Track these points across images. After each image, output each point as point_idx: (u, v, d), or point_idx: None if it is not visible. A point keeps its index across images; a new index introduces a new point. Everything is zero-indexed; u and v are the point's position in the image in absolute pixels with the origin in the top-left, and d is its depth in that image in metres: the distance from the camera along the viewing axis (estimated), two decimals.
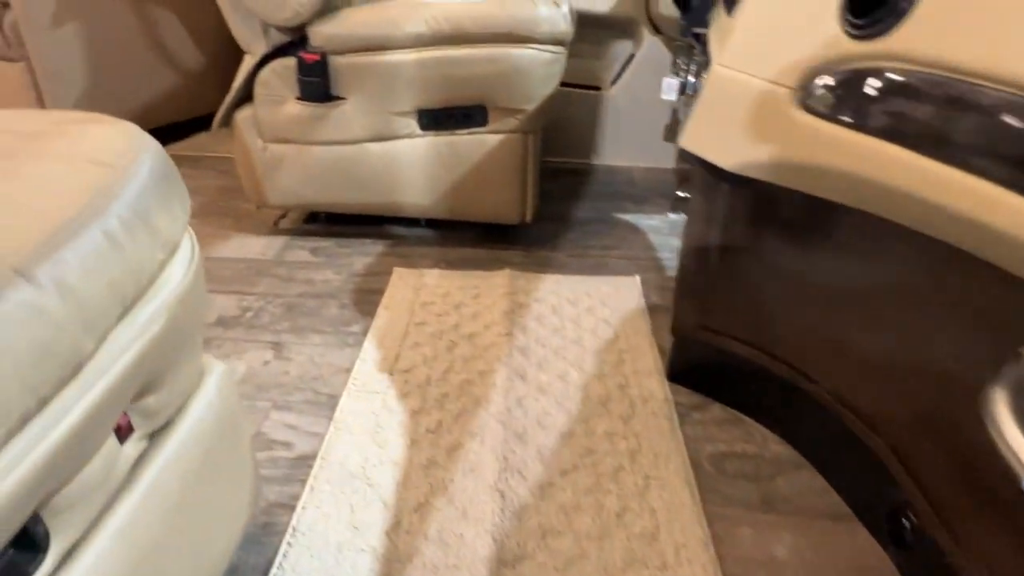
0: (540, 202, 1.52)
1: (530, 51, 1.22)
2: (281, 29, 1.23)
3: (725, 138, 0.76)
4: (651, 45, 1.83)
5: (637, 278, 1.34)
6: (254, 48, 1.27)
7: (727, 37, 0.78)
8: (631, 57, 1.90)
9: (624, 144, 1.96)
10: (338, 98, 1.28)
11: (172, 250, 0.52)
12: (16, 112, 0.57)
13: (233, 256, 1.42)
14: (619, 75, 1.92)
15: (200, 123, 2.20)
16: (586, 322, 1.19)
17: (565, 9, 1.24)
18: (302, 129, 1.32)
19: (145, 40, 1.89)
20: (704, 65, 1.11)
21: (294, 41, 1.25)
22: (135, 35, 1.86)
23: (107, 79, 1.81)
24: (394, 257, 1.43)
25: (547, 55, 1.24)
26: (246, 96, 1.33)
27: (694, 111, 0.81)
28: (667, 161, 1.96)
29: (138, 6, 1.84)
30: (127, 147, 0.52)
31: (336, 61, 1.25)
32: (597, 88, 1.96)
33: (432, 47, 1.23)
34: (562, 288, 1.30)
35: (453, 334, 1.15)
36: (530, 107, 1.28)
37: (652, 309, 1.25)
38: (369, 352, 1.10)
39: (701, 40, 1.36)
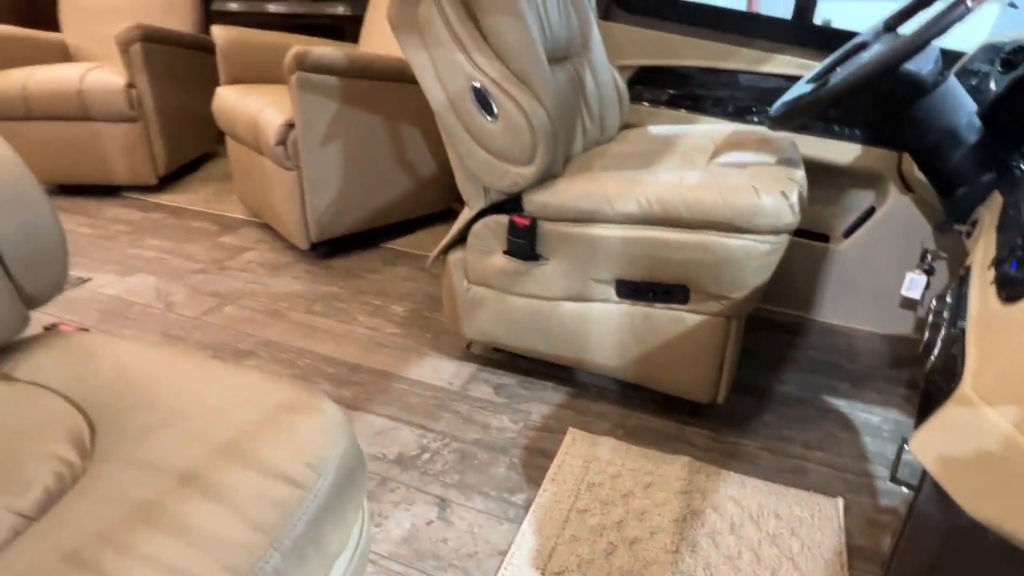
0: (739, 360, 1.40)
1: (746, 242, 1.14)
2: (499, 192, 1.30)
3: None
4: (898, 202, 1.62)
5: (840, 502, 1.16)
6: (473, 203, 1.35)
7: (1000, 330, 0.63)
8: (871, 210, 1.69)
9: (849, 303, 1.75)
10: (542, 258, 1.31)
11: (335, 559, 0.54)
12: (252, 379, 0.64)
13: (424, 380, 1.50)
14: (854, 228, 1.72)
15: (425, 221, 2.42)
16: (767, 555, 1.05)
17: (794, 198, 1.13)
18: (504, 280, 1.36)
19: (391, 151, 2.13)
20: (960, 281, 0.93)
21: (509, 201, 1.31)
22: (383, 147, 2.10)
23: (355, 184, 2.07)
24: (572, 411, 1.40)
25: (765, 247, 1.14)
26: (459, 240, 1.42)
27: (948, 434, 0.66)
28: (897, 327, 1.71)
29: (391, 125, 2.08)
30: (323, 451, 0.55)
31: (545, 226, 1.27)
32: (825, 238, 1.78)
33: (641, 226, 1.20)
34: (747, 496, 1.16)
35: (614, 534, 1.08)
36: (738, 295, 1.18)
37: (852, 552, 1.07)
38: (527, 536, 1.08)
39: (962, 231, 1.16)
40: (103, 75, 2.50)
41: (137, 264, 2.10)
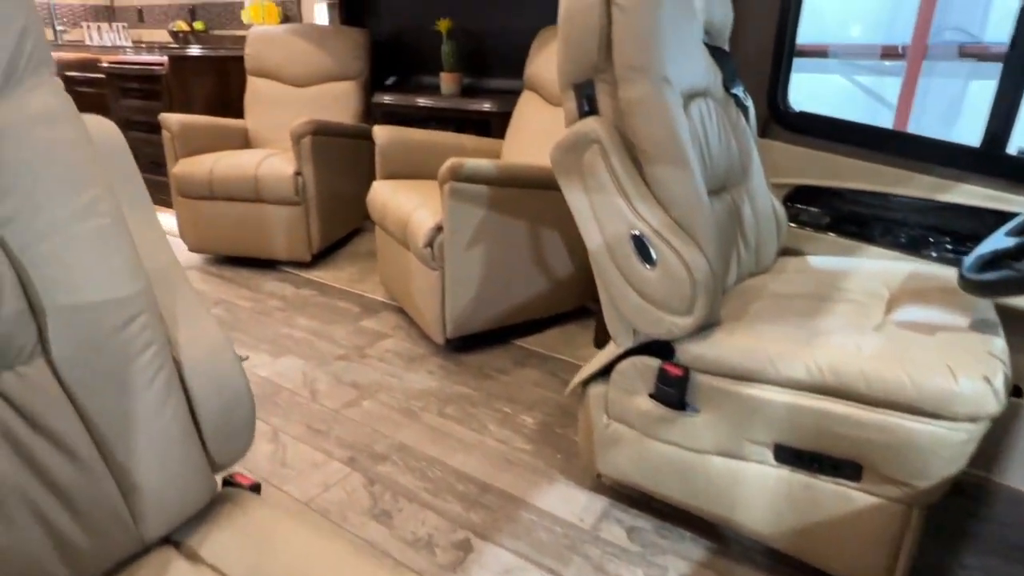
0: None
1: (937, 428, 1.00)
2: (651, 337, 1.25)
3: None
4: None
5: None
6: (620, 340, 1.32)
7: None
8: None
9: None
10: (692, 408, 1.23)
11: None
12: None
13: (555, 512, 1.45)
14: None
15: (557, 319, 2.41)
16: None
17: (999, 381, 0.99)
18: (647, 423, 1.30)
19: (529, 252, 2.15)
20: None
21: (660, 343, 1.26)
22: (523, 249, 2.13)
23: (493, 284, 2.10)
24: (713, 573, 1.29)
25: (960, 435, 1.00)
26: (602, 373, 1.38)
27: None
28: None
29: (532, 227, 2.11)
30: None
31: (698, 378, 1.21)
32: (1017, 391, 1.56)
33: (809, 393, 1.10)
34: None
35: None
36: (922, 485, 1.04)
37: None
38: None
39: None
40: (275, 164, 2.77)
41: (287, 345, 2.24)
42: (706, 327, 1.22)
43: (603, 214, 1.20)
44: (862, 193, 1.72)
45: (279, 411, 1.85)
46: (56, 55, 3.91)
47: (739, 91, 1.50)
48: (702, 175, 1.27)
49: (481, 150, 2.62)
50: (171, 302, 0.74)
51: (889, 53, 3.74)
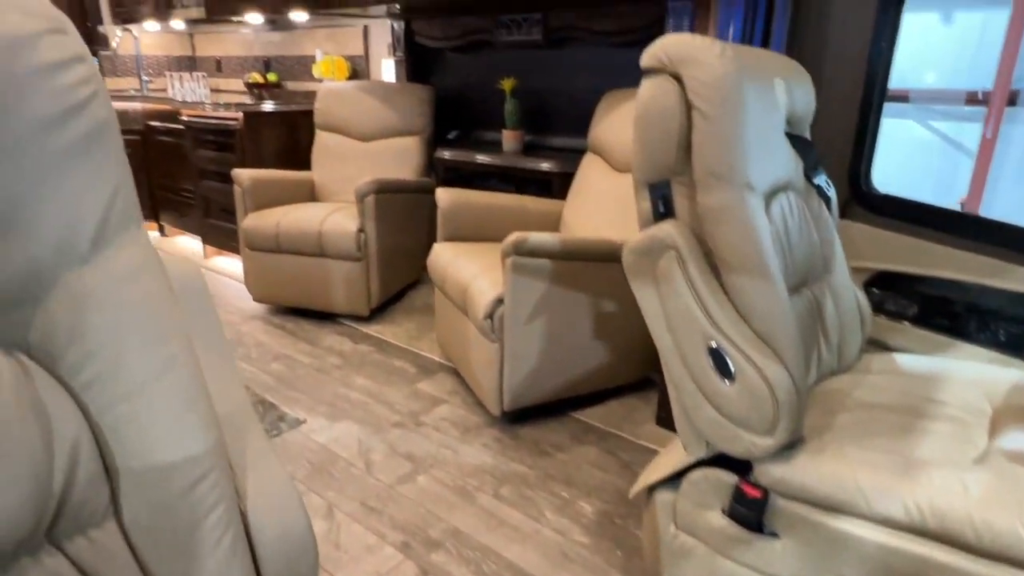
0: None
1: None
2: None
3: None
4: None
5: None
6: (692, 449, 1.24)
7: None
8: None
9: None
10: (770, 532, 1.15)
11: None
12: None
13: None
14: None
15: (617, 391, 2.34)
16: None
17: None
18: (720, 541, 1.21)
19: (590, 324, 2.10)
20: None
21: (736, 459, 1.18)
22: (584, 321, 2.08)
23: (552, 356, 2.06)
24: None
25: None
26: (672, 479, 1.31)
27: None
28: None
29: (594, 300, 2.07)
30: None
31: (779, 502, 1.12)
32: None
33: (906, 535, 1.00)
34: None
35: None
36: None
37: None
38: None
39: None
40: (339, 220, 2.82)
41: (344, 407, 2.24)
42: (788, 447, 1.13)
43: (678, 322, 1.15)
44: (953, 282, 1.61)
45: (335, 484, 1.84)
46: (141, 106, 4.15)
47: (821, 180, 1.43)
48: (783, 275, 1.20)
49: (542, 212, 2.60)
50: (240, 448, 0.73)
51: (971, 99, 3.57)
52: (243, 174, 2.98)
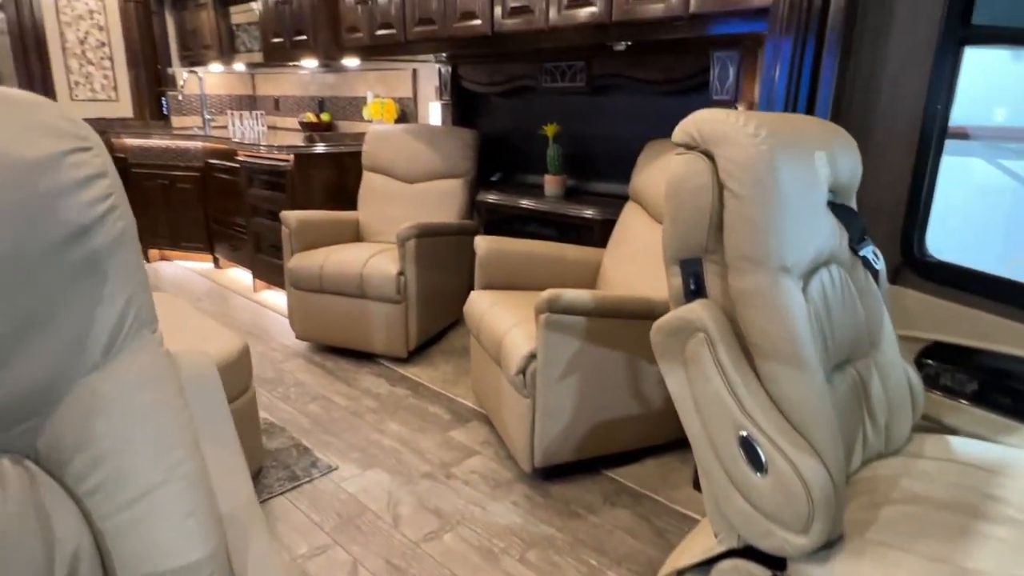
0: None
1: None
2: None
3: None
4: None
5: None
6: (723, 538, 1.18)
7: None
8: None
9: None
10: None
11: None
12: None
13: None
14: None
15: (653, 450, 2.26)
16: None
17: None
18: None
19: (625, 382, 2.04)
20: None
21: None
22: (619, 379, 2.03)
23: (586, 414, 2.01)
24: None
25: None
26: (701, 564, 1.24)
27: None
28: None
29: (629, 357, 2.02)
30: None
31: None
32: None
33: None
34: None
35: None
36: None
37: None
38: None
39: None
40: (380, 263, 2.86)
41: (376, 454, 2.24)
42: (826, 544, 1.06)
43: (707, 408, 1.10)
44: (1019, 359, 1.50)
45: (361, 538, 1.83)
46: (201, 144, 4.34)
47: (868, 252, 1.36)
48: (823, 354, 1.14)
49: (581, 261, 2.58)
50: (243, 549, 0.72)
51: None
52: (290, 216, 3.07)
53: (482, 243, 2.47)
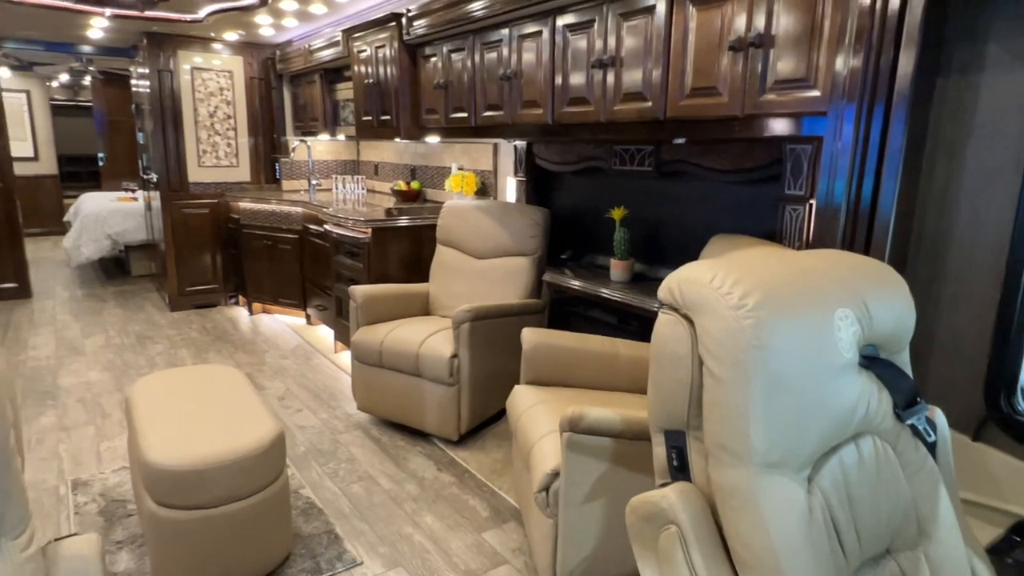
0: None
1: None
2: None
3: None
4: None
5: None
6: None
7: None
8: None
9: None
10: None
11: None
12: None
13: None
14: None
15: None
16: None
17: None
18: None
19: None
20: None
21: None
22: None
23: (612, 540, 1.84)
24: None
25: None
26: None
27: None
28: None
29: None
30: None
31: None
32: None
33: None
34: None
35: None
36: None
37: None
38: None
39: None
40: (436, 344, 2.85)
41: (403, 553, 2.18)
42: None
43: None
44: None
45: None
46: (302, 210, 4.64)
47: (919, 420, 1.14)
48: (833, 560, 0.94)
49: (635, 360, 2.42)
50: None
51: None
52: (358, 291, 3.16)
53: (529, 336, 2.39)
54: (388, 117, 3.57)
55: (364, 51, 3.68)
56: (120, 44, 5.51)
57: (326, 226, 3.96)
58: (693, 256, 2.50)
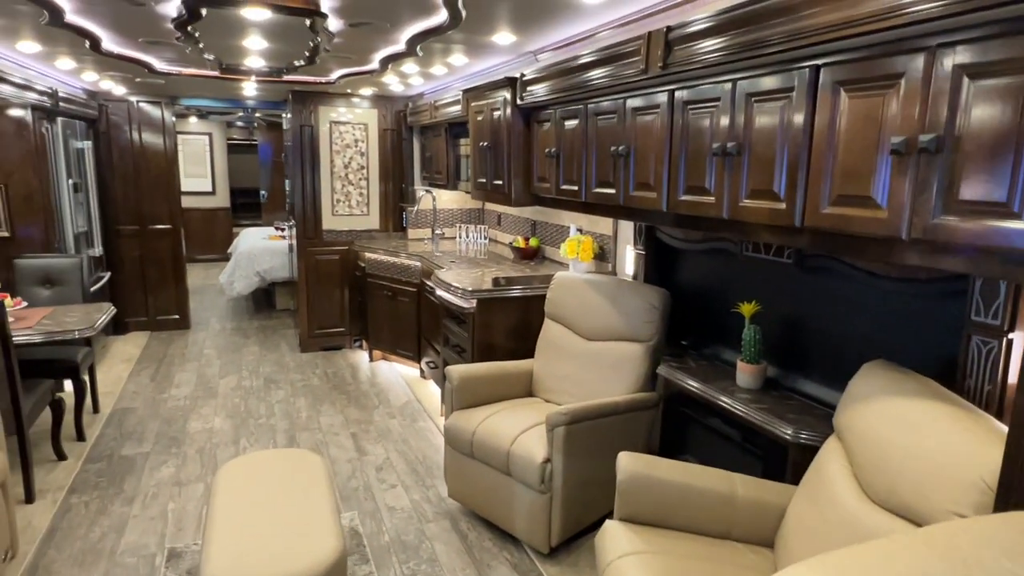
0: None
1: None
2: None
3: None
4: None
5: None
6: None
7: None
8: None
9: None
10: None
11: None
12: None
13: None
14: None
15: None
16: None
17: None
18: None
19: None
20: None
21: None
22: None
23: None
24: None
25: None
26: None
27: None
28: None
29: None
30: None
31: None
32: None
33: None
34: None
35: None
36: None
37: None
38: None
39: None
40: (529, 443, 2.58)
41: None
42: None
43: None
44: None
45: None
46: (419, 264, 4.61)
47: None
48: None
49: (757, 505, 1.98)
50: None
51: None
52: (453, 372, 2.98)
53: (627, 464, 2.04)
54: (500, 182, 3.38)
55: (481, 113, 3.54)
56: (274, 98, 5.92)
57: (438, 291, 3.86)
58: (840, 371, 2.03)
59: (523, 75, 3.04)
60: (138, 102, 5.61)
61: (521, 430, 2.67)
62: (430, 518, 2.95)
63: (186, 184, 9.69)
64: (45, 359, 3.50)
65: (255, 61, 3.65)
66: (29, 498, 3.03)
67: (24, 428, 2.98)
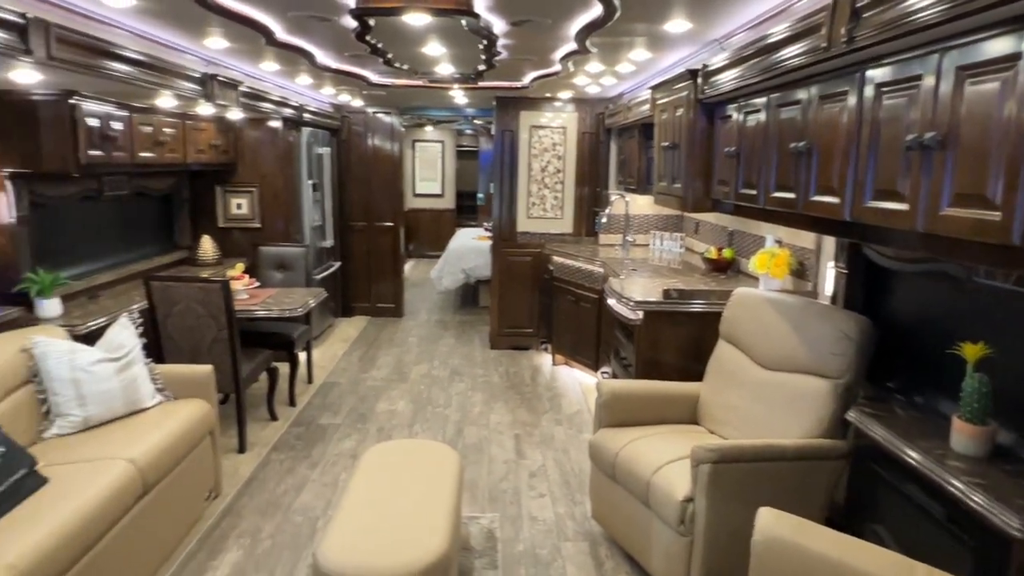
0: None
1: None
2: None
3: None
4: None
5: None
6: None
7: None
8: None
9: None
10: None
11: None
12: None
13: None
14: None
15: None
16: None
17: None
18: None
19: None
20: None
21: None
22: None
23: None
24: None
25: None
26: None
27: None
28: None
29: None
30: None
31: None
32: None
33: None
34: None
35: None
36: None
37: None
38: None
39: None
40: (671, 476, 2.30)
41: None
42: None
43: None
44: None
45: None
46: (601, 270, 4.46)
47: None
48: None
49: None
50: None
51: None
52: (605, 386, 2.79)
53: (766, 521, 1.70)
54: (678, 184, 3.10)
55: (664, 111, 3.29)
56: (486, 106, 6.22)
57: (609, 299, 3.68)
58: None
59: (705, 66, 2.74)
60: (374, 112, 6.30)
61: (668, 460, 2.40)
62: (569, 536, 2.81)
63: (420, 187, 10.74)
64: (267, 332, 4.08)
65: (444, 68, 3.83)
66: (242, 448, 3.55)
67: (240, 388, 3.49)
